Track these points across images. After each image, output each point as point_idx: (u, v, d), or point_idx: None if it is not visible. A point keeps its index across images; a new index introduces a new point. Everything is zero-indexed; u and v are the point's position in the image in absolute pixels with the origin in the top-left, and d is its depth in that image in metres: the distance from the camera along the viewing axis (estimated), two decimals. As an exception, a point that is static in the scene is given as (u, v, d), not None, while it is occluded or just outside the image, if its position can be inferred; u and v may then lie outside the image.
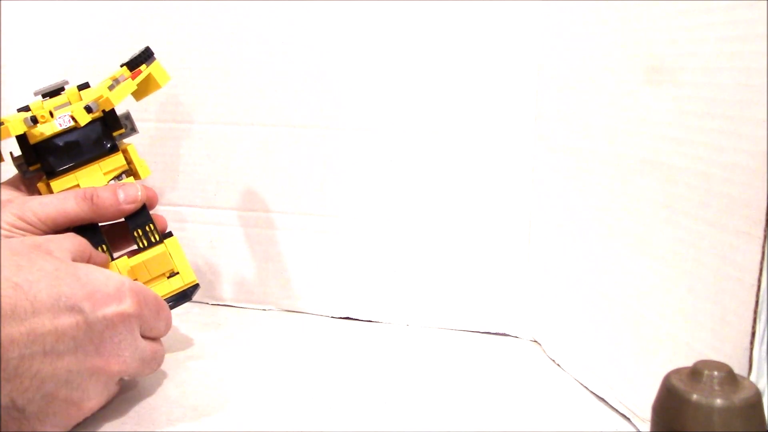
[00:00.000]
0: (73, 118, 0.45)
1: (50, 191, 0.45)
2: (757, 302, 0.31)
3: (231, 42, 0.56)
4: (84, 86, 0.47)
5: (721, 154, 0.33)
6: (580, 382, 0.46)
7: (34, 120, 0.44)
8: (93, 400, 0.39)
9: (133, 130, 0.49)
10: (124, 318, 0.39)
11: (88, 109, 0.45)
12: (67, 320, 0.35)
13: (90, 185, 0.46)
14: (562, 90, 0.46)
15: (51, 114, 0.45)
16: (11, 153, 0.47)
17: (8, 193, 0.46)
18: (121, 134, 0.48)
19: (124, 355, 0.39)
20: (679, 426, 0.29)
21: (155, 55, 0.48)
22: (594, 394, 0.45)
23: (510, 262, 0.53)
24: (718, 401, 0.28)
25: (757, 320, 0.31)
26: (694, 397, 0.28)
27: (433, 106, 0.53)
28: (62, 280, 0.36)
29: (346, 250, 0.57)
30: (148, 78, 0.48)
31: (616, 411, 0.42)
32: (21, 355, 0.33)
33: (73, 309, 0.36)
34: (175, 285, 0.47)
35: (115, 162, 0.47)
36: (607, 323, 0.43)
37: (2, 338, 0.33)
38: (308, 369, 0.49)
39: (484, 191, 0.53)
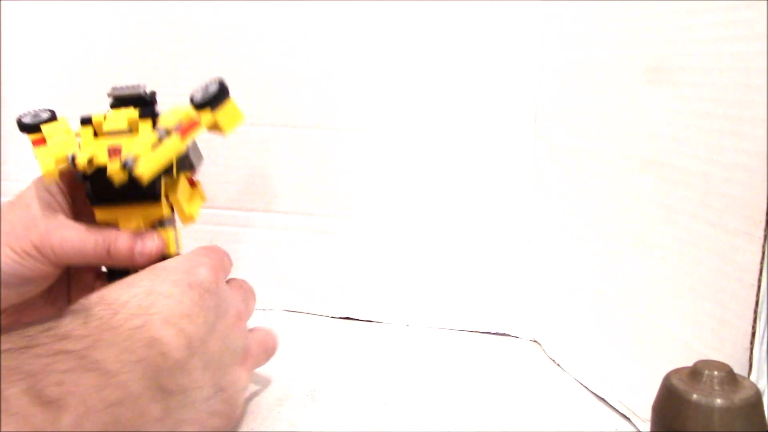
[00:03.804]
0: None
1: (92, 212, 0.43)
2: (757, 302, 0.31)
3: (231, 42, 0.56)
4: (147, 113, 0.42)
5: (721, 154, 0.33)
6: (580, 382, 0.46)
7: (74, 160, 0.40)
8: None
9: (191, 167, 0.45)
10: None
11: (125, 165, 0.39)
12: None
13: (127, 226, 0.43)
14: (562, 90, 0.46)
15: (91, 162, 0.41)
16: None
17: (35, 207, 0.42)
18: (176, 173, 0.44)
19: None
20: (679, 426, 0.29)
21: (228, 93, 0.42)
22: (594, 394, 0.45)
23: (510, 262, 0.53)
24: (718, 401, 0.28)
25: (757, 320, 0.31)
26: (694, 397, 0.28)
27: (433, 106, 0.53)
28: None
29: (346, 250, 0.57)
30: (214, 124, 0.43)
31: (616, 411, 0.42)
32: None
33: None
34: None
35: (155, 211, 0.44)
36: (607, 323, 0.43)
37: None
38: (308, 369, 0.49)
39: (485, 191, 0.53)
